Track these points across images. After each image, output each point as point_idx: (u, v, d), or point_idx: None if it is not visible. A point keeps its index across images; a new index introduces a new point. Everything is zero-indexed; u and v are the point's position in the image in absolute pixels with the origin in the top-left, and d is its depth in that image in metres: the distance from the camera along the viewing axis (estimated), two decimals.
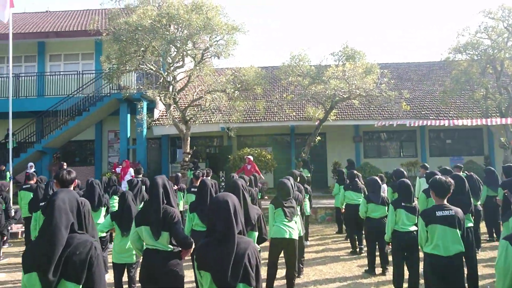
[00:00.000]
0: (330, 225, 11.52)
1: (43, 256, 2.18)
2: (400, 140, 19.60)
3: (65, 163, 13.49)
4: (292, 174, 7.28)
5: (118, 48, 12.26)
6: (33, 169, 13.15)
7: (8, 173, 11.70)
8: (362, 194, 8.14)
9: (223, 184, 15.96)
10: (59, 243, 2.20)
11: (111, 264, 5.22)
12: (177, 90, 13.84)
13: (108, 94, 16.78)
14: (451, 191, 4.06)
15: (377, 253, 6.72)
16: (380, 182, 6.78)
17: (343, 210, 8.69)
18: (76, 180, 3.82)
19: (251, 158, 13.22)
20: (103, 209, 6.85)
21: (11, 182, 11.65)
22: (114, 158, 19.04)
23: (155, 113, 18.00)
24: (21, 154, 16.63)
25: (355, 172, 8.51)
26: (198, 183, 6.64)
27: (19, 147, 17.12)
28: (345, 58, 14.65)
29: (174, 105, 13.60)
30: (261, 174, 12.87)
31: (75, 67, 19.34)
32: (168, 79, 13.67)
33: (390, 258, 6.29)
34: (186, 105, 14.56)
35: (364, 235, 7.41)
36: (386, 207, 6.41)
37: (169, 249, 3.80)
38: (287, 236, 5.32)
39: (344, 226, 10.06)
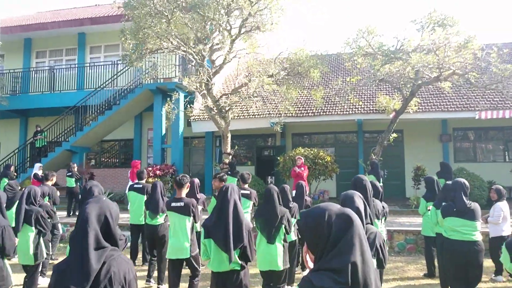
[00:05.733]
0: (413, 258, 7.89)
1: None
2: (505, 139, 15.08)
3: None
4: (358, 181, 4.05)
5: (133, 19, 9.71)
6: (41, 171, 11.10)
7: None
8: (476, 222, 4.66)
9: None
10: None
11: None
12: (210, 74, 11.01)
13: (140, 85, 14.52)
14: None
15: None
16: None
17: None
18: None
19: (302, 159, 10.01)
20: None
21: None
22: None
23: (196, 107, 15.37)
24: (49, 154, 14.92)
25: (463, 182, 4.75)
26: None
27: (49, 146, 15.50)
28: (432, 26, 10.87)
29: (206, 92, 10.78)
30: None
31: (115, 58, 17.52)
32: (200, 61, 10.90)
33: None
34: (222, 93, 11.70)
35: None
36: None
37: None
38: None
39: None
